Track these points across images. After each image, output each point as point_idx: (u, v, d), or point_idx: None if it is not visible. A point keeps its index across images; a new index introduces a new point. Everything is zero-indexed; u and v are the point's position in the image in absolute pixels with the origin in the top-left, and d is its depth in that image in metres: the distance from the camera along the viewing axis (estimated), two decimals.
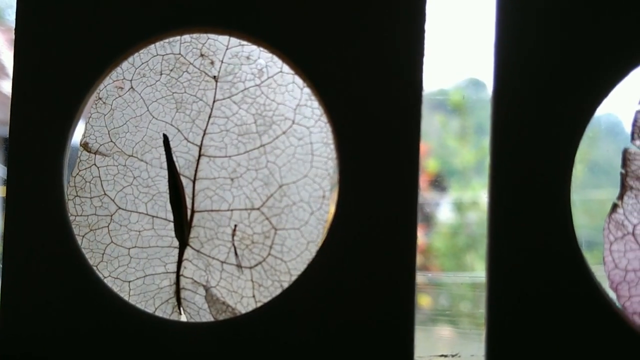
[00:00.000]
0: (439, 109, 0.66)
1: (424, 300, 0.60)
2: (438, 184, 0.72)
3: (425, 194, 0.75)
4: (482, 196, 0.59)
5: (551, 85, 0.33)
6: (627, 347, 0.31)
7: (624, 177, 0.33)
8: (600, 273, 0.33)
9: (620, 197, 0.33)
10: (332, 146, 0.36)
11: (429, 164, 0.80)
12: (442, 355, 0.41)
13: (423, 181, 0.79)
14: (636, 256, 0.32)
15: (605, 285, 0.33)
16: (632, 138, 0.33)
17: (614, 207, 0.33)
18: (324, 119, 0.36)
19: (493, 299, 0.33)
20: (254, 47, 0.37)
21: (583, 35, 0.33)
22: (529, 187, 0.33)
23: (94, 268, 0.36)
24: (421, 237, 0.76)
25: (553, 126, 0.33)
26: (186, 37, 0.38)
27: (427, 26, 0.34)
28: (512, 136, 0.34)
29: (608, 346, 0.32)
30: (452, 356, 0.40)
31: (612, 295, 0.33)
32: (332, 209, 0.35)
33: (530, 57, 0.34)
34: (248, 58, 0.37)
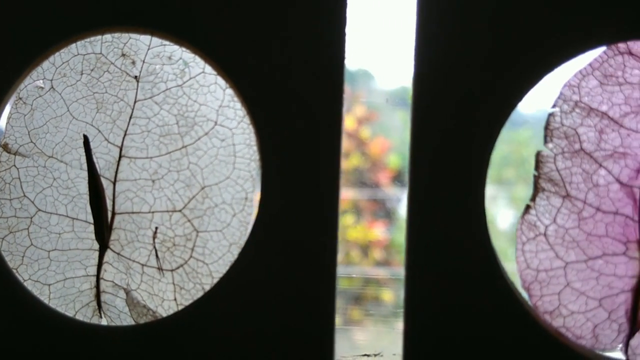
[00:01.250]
0: (400, 106, 0.67)
1: (386, 295, 0.61)
2: (400, 180, 0.73)
3: (387, 190, 0.76)
4: None
5: (468, 87, 0.34)
6: (538, 346, 0.32)
7: (536, 180, 0.34)
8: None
9: (533, 198, 0.34)
10: (255, 148, 0.36)
11: (390, 160, 0.81)
12: (364, 355, 0.41)
13: (385, 177, 0.79)
14: (547, 256, 0.33)
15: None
16: (545, 141, 0.34)
17: (527, 208, 0.34)
18: (247, 120, 0.36)
19: (410, 296, 0.33)
20: (176, 47, 0.37)
21: (500, 38, 0.34)
22: (445, 185, 0.34)
23: (14, 271, 0.35)
24: (383, 232, 0.77)
25: (470, 126, 0.34)
26: (107, 37, 0.37)
27: (349, 28, 0.35)
28: (430, 137, 0.34)
29: (519, 344, 0.33)
30: (375, 355, 0.41)
31: (524, 294, 0.34)
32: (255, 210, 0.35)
33: (449, 59, 0.34)
34: (170, 58, 0.37)
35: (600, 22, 0.34)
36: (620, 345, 0.33)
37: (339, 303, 0.41)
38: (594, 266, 0.33)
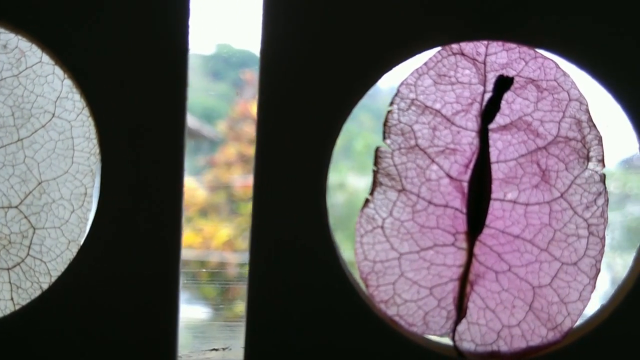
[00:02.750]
0: None
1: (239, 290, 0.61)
2: None
3: None
4: (349, 178, 0.62)
5: (310, 86, 0.35)
6: (373, 334, 0.34)
7: (375, 174, 0.35)
8: None
9: (372, 192, 0.35)
10: (95, 141, 0.35)
11: None
12: (213, 349, 0.41)
13: None
14: (383, 248, 0.35)
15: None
16: (383, 137, 0.36)
17: (366, 202, 0.35)
18: (86, 112, 0.35)
19: (252, 289, 0.34)
20: (12, 35, 0.35)
21: (341, 39, 0.35)
22: (287, 180, 0.34)
23: None
24: None
25: (311, 124, 0.35)
26: None
27: (191, 20, 0.34)
28: (274, 134, 0.35)
29: (356, 333, 0.34)
30: (223, 349, 0.41)
31: (362, 285, 0.35)
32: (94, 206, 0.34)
33: (291, 60, 0.35)
34: (5, 47, 0.35)
35: (436, 23, 0.35)
36: (448, 331, 0.35)
37: (188, 298, 0.41)
38: (426, 256, 0.35)
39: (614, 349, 0.33)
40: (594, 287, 0.34)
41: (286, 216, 0.34)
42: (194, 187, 0.58)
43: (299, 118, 0.35)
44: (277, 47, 0.35)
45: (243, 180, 0.61)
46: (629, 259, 0.53)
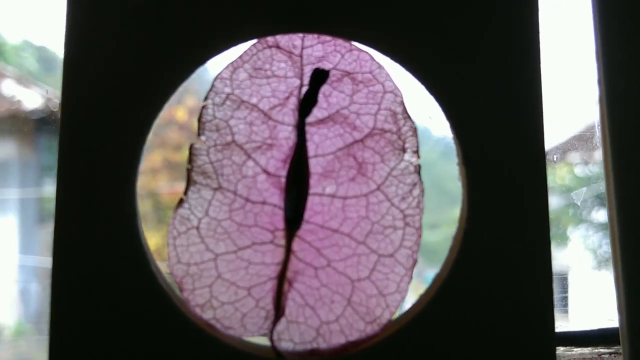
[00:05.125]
0: None
1: None
2: None
3: None
4: None
5: (121, 82, 0.33)
6: (188, 340, 0.33)
7: (189, 173, 0.34)
8: None
9: (186, 192, 0.34)
10: None
11: None
12: None
13: None
14: (198, 249, 0.34)
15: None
16: (198, 134, 0.34)
17: (180, 202, 0.34)
18: None
19: (55, 297, 0.32)
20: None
21: (151, 34, 0.33)
22: (96, 184, 0.33)
23: None
24: None
25: (123, 121, 0.33)
26: None
27: None
28: (79, 135, 0.33)
29: (171, 340, 0.32)
30: None
31: (177, 289, 0.34)
32: None
33: (97, 53, 0.33)
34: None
35: (250, 15, 0.34)
36: (267, 332, 0.34)
37: None
38: (244, 256, 0.34)
39: (432, 339, 0.33)
40: (410, 277, 0.34)
41: (93, 221, 0.32)
42: None
43: (106, 119, 0.33)
44: (81, 47, 0.33)
45: (170, 188, 0.59)
46: None
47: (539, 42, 0.35)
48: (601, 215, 0.68)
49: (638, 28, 0.38)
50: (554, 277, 0.58)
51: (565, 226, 0.67)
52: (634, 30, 0.38)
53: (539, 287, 0.34)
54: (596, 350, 0.48)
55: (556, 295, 0.57)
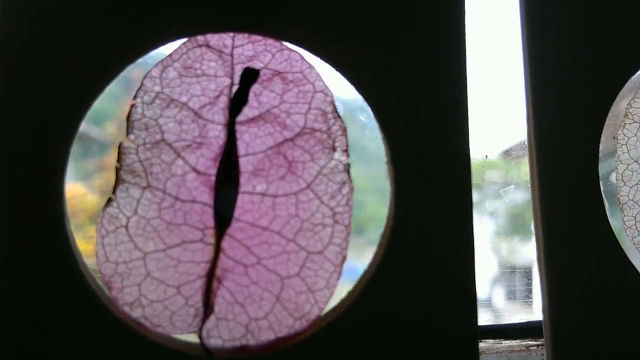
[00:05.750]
0: None
1: None
2: None
3: None
4: None
5: (45, 83, 0.33)
6: (116, 339, 0.32)
7: (117, 171, 0.34)
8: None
9: (114, 191, 0.34)
10: None
11: None
12: None
13: None
14: (127, 248, 0.34)
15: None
16: (127, 133, 0.34)
17: (109, 201, 0.34)
18: None
19: None
20: None
21: (77, 32, 0.33)
22: (24, 183, 0.32)
23: None
24: None
25: (48, 121, 0.33)
26: None
27: None
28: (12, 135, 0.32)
29: (99, 339, 0.32)
30: None
31: (106, 288, 0.33)
32: None
33: (27, 52, 0.33)
34: None
35: (180, 14, 0.34)
36: (196, 329, 0.34)
37: None
38: (173, 254, 0.34)
39: (359, 334, 0.34)
40: (339, 274, 0.35)
41: (19, 221, 0.32)
42: (84, 193, 0.54)
43: (29, 119, 0.33)
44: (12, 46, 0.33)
45: None
46: (512, 244, 0.56)
47: (464, 40, 0.36)
48: None
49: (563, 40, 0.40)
50: (519, 270, 0.59)
51: (529, 220, 0.69)
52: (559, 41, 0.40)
53: (464, 281, 0.35)
54: (524, 343, 0.49)
55: (521, 288, 0.59)
